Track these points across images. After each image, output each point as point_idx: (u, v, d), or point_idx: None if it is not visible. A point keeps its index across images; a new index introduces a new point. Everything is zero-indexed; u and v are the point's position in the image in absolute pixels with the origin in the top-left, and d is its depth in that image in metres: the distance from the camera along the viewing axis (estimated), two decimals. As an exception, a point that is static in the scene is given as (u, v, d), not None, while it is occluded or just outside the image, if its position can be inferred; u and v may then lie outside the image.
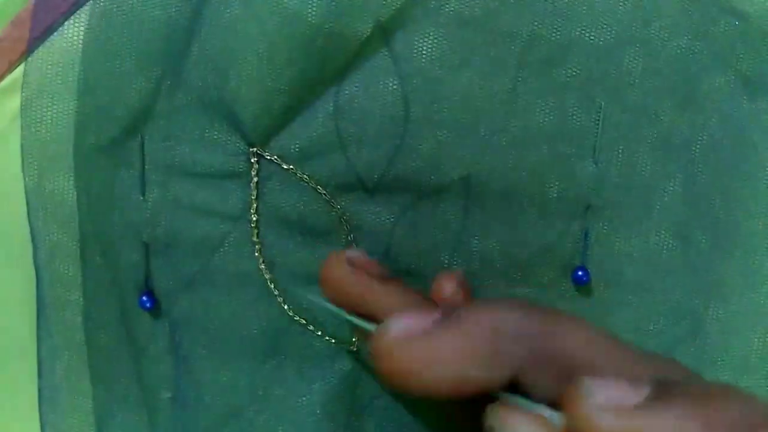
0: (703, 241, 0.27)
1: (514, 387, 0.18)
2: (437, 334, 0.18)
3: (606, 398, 0.16)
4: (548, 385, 0.18)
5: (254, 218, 0.26)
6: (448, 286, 0.23)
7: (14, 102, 0.26)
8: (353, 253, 0.23)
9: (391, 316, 0.19)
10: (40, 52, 0.25)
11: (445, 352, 0.18)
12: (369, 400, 0.28)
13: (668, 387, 0.16)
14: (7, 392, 0.29)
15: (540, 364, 0.18)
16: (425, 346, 0.18)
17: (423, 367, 0.18)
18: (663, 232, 0.27)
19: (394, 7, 0.24)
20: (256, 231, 0.26)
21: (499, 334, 0.18)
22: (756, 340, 0.28)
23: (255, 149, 0.26)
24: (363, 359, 0.28)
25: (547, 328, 0.18)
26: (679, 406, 0.16)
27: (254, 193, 0.26)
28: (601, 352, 0.18)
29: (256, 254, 0.27)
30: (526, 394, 0.18)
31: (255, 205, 0.26)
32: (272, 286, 0.27)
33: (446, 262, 0.27)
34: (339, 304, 0.23)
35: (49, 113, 0.26)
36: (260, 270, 0.27)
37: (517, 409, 0.18)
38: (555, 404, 0.18)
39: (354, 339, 0.28)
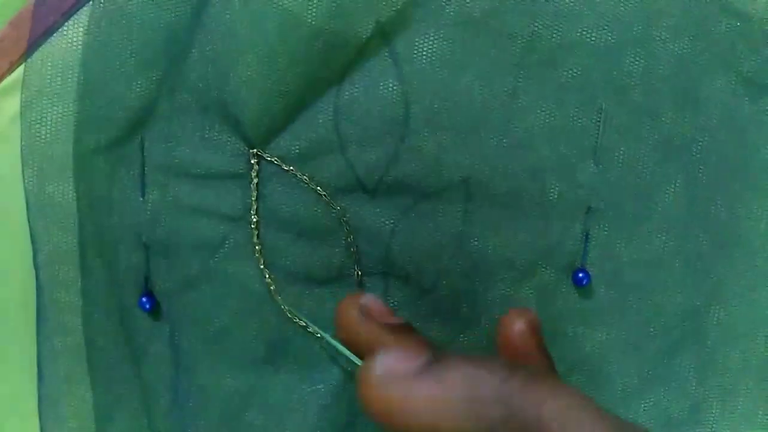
0: (704, 242, 0.27)
1: None
2: (418, 379, 0.18)
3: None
4: None
5: (254, 219, 0.26)
6: (517, 325, 0.22)
7: (14, 103, 0.26)
8: (367, 299, 0.23)
9: (378, 353, 0.19)
10: (40, 52, 0.25)
11: (420, 399, 0.18)
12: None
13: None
14: (7, 395, 0.29)
15: (514, 429, 0.17)
16: (403, 389, 0.18)
17: (398, 409, 0.18)
18: (664, 233, 0.27)
19: (394, 9, 0.24)
20: (256, 232, 0.26)
21: (475, 393, 0.18)
22: (757, 341, 0.28)
23: (255, 150, 0.26)
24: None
25: (525, 395, 0.18)
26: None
27: (254, 194, 0.26)
28: (576, 421, 0.17)
29: (256, 255, 0.27)
30: None
31: (255, 207, 0.26)
32: (272, 287, 0.27)
33: (446, 263, 0.27)
34: (348, 344, 0.23)
35: (49, 114, 0.26)
36: (260, 271, 0.27)
37: None
38: None
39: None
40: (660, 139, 0.26)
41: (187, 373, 0.28)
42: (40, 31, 0.25)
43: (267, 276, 0.27)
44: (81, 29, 0.25)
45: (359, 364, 0.21)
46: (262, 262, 0.27)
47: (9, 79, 0.26)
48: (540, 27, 0.25)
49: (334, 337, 0.23)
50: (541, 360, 0.21)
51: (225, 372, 0.28)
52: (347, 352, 0.22)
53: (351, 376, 0.28)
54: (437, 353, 0.19)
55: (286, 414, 0.28)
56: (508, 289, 0.27)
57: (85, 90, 0.25)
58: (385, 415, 0.18)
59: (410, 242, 0.27)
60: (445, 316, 0.27)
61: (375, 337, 0.21)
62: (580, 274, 0.27)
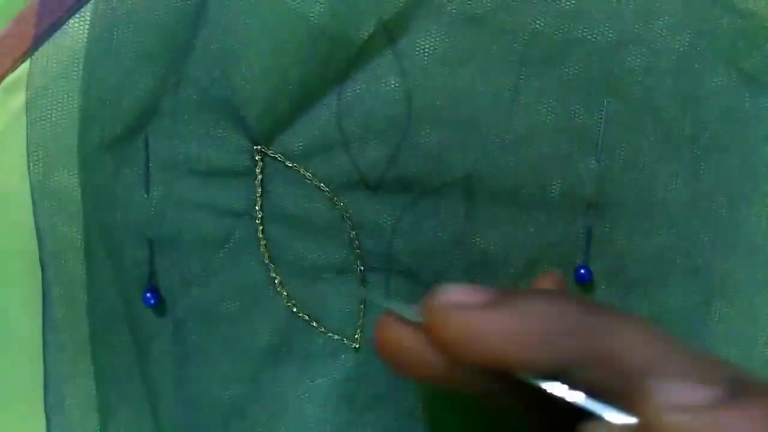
0: (706, 239, 0.27)
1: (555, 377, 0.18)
2: (492, 309, 0.18)
3: (679, 399, 0.15)
4: (597, 382, 0.17)
5: (259, 215, 0.26)
6: (547, 286, 0.22)
7: (19, 99, 0.26)
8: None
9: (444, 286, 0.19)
10: (45, 49, 0.26)
11: (496, 327, 0.17)
12: (371, 396, 0.28)
13: (742, 385, 0.16)
14: (12, 388, 0.29)
15: (590, 361, 0.17)
16: (479, 317, 0.18)
17: (473, 336, 0.18)
18: (665, 230, 0.27)
19: (397, 6, 0.24)
20: (261, 227, 0.27)
21: (552, 325, 0.17)
22: (760, 339, 0.28)
23: (259, 147, 0.26)
24: (365, 356, 0.28)
25: (603, 326, 0.17)
26: (756, 400, 0.15)
27: (259, 190, 0.26)
28: (657, 353, 0.17)
29: (261, 250, 0.27)
30: (570, 386, 0.18)
31: (260, 203, 0.26)
32: (277, 281, 0.27)
33: (448, 260, 0.27)
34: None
35: (53, 111, 0.26)
36: (265, 266, 0.27)
37: (615, 428, 0.17)
38: (605, 400, 0.17)
39: (356, 336, 0.28)
40: (661, 135, 0.26)
41: (192, 367, 0.28)
42: (43, 28, 0.26)
43: (272, 270, 0.27)
44: (85, 26, 0.25)
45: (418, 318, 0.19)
46: (267, 256, 0.27)
47: (13, 76, 0.26)
48: (542, 24, 0.25)
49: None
50: None
51: (229, 367, 0.28)
52: (400, 306, 0.20)
53: (354, 369, 0.28)
54: (503, 291, 0.19)
55: (290, 408, 0.28)
56: (510, 286, 0.27)
57: (89, 87, 0.25)
58: (461, 343, 0.18)
59: (412, 238, 0.27)
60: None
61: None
62: (582, 271, 0.27)
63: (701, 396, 0.15)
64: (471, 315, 0.18)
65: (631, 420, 0.16)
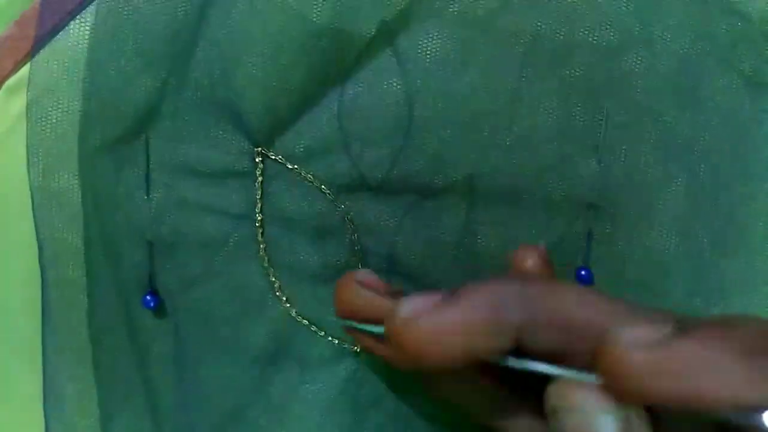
0: (705, 241, 0.27)
1: (516, 351, 0.20)
2: (442, 310, 0.19)
3: (637, 339, 0.17)
4: (548, 344, 0.19)
5: (259, 218, 0.26)
6: (530, 260, 0.23)
7: (20, 101, 0.26)
8: (363, 274, 0.23)
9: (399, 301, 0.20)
10: (46, 51, 0.26)
11: (450, 325, 0.19)
12: (372, 400, 0.28)
13: (687, 322, 0.17)
14: (11, 392, 0.29)
15: (539, 326, 0.19)
16: (432, 321, 0.19)
17: (432, 340, 0.19)
18: (665, 232, 0.27)
19: (398, 8, 0.24)
20: (260, 230, 0.27)
21: (497, 305, 0.19)
22: None
23: (260, 149, 0.26)
24: (365, 360, 0.28)
25: (544, 293, 0.19)
26: (701, 333, 0.17)
27: (259, 192, 0.26)
28: (598, 310, 0.19)
29: (261, 253, 0.27)
30: (529, 356, 0.20)
31: (260, 205, 0.26)
32: (276, 285, 0.27)
33: (449, 260, 0.27)
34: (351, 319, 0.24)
35: (54, 112, 0.26)
36: (264, 269, 0.27)
37: (575, 384, 0.18)
38: (556, 360, 0.19)
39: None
40: (661, 138, 0.26)
41: (191, 371, 0.28)
42: (45, 30, 0.26)
43: (271, 274, 0.27)
44: (86, 28, 0.25)
45: (381, 331, 0.21)
46: (266, 260, 0.27)
47: (14, 78, 0.26)
48: (543, 27, 0.25)
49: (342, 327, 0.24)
50: None
51: (229, 370, 0.28)
52: (366, 326, 0.22)
53: (354, 373, 0.28)
54: (452, 290, 0.20)
55: (290, 412, 0.28)
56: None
57: (91, 88, 0.25)
58: (422, 349, 0.19)
59: (414, 240, 0.27)
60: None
61: (377, 306, 0.22)
62: (583, 272, 0.27)
63: (656, 334, 0.17)
64: (424, 319, 0.19)
65: (589, 377, 0.18)
